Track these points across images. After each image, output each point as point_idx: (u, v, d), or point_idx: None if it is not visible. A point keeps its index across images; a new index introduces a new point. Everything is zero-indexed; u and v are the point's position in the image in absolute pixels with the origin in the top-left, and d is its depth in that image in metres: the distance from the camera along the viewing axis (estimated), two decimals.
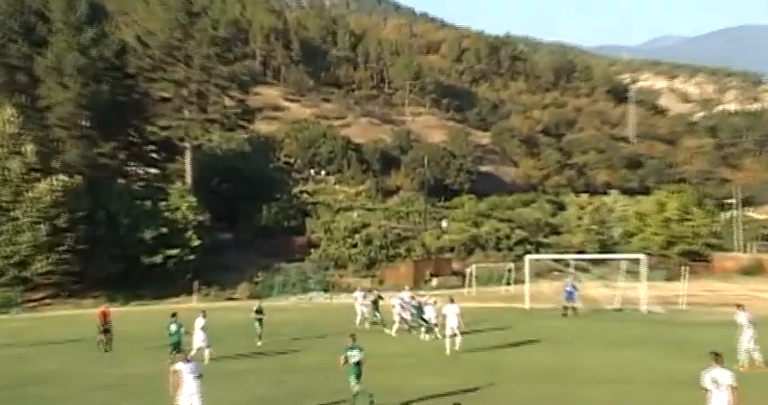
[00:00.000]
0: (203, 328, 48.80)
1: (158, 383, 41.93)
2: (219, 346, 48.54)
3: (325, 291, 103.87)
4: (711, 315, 72.78)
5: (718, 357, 26.48)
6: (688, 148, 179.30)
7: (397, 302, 62.99)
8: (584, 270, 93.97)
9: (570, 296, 74.30)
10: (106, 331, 54.43)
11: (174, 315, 49.84)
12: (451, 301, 54.13)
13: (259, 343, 54.49)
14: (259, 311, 55.98)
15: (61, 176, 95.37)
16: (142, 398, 38.54)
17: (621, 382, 40.55)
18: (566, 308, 72.96)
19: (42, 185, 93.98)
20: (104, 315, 55.18)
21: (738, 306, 44.24)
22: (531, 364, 45.45)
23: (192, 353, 44.95)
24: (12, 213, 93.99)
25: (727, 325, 62.00)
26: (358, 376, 32.97)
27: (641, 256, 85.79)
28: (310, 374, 40.27)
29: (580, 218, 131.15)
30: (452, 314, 52.79)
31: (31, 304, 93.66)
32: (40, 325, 74.01)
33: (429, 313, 60.59)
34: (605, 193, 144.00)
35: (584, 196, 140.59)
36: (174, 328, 49.27)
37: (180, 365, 29.92)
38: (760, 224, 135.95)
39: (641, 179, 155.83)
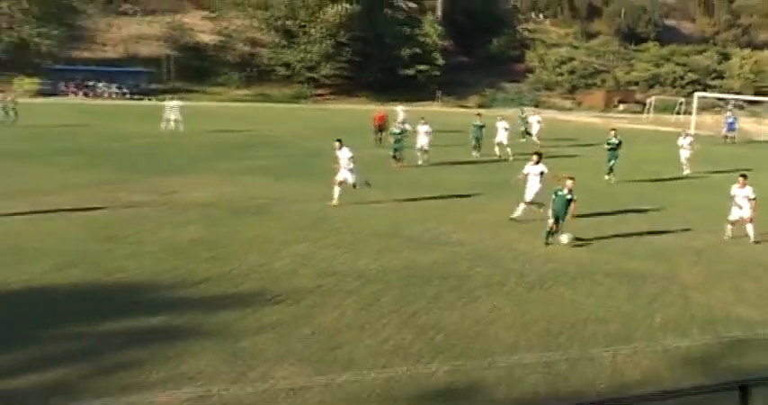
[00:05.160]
0: (427, 133, 46.89)
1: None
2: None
3: (536, 106, 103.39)
4: None
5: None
6: None
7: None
8: (741, 107, 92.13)
9: (731, 127, 73.59)
10: (381, 130, 53.87)
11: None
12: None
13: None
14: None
15: (345, 5, 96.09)
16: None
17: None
18: (726, 137, 72.18)
19: (331, 10, 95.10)
20: (381, 119, 55.14)
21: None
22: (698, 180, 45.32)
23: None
24: (307, 30, 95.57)
25: None
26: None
27: None
28: None
29: (741, 67, 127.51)
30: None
31: (317, 98, 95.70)
32: (324, 115, 75.45)
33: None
34: (764, 49, 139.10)
35: (747, 51, 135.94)
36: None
37: None
38: None
39: None
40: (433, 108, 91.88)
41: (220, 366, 15.44)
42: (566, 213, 26.45)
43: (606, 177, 42.73)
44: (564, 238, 26.09)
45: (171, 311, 18.39)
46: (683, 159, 48.09)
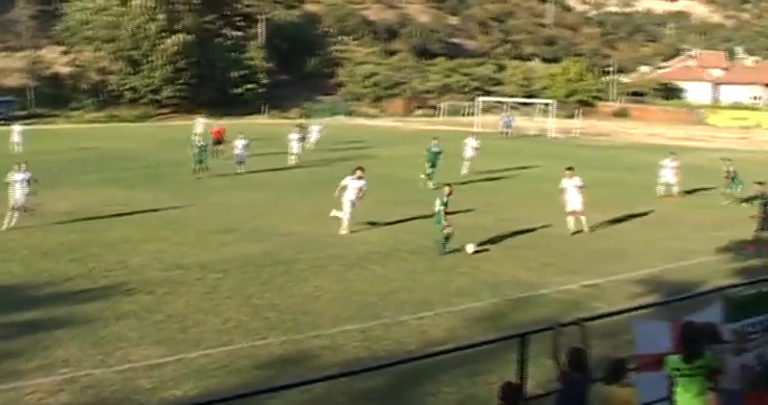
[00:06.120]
0: (244, 146, 44.18)
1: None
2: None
3: (348, 114, 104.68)
4: (592, 140, 73.77)
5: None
6: (584, 34, 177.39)
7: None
8: (515, 108, 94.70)
9: (508, 124, 76.94)
10: (218, 143, 51.62)
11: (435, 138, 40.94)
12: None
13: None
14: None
15: (181, 35, 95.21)
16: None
17: (533, 179, 41.31)
18: (503, 132, 74.92)
19: (169, 41, 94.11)
20: (218, 133, 53.81)
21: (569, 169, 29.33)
22: (482, 166, 46.00)
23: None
24: (149, 58, 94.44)
25: (597, 148, 62.81)
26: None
27: (551, 101, 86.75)
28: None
29: (513, 75, 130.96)
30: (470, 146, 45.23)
31: (161, 117, 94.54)
32: (167, 131, 74.56)
33: None
34: (530, 60, 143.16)
35: (517, 62, 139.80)
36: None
37: None
38: (626, 85, 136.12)
39: (554, 52, 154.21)
40: (261, 120, 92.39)
41: (86, 352, 15.25)
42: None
43: (422, 177, 39.09)
44: (470, 248, 24.23)
45: (42, 307, 17.99)
46: (466, 157, 44.96)
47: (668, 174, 38.26)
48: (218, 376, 14.20)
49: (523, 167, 48.34)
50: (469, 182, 41.39)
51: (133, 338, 16.01)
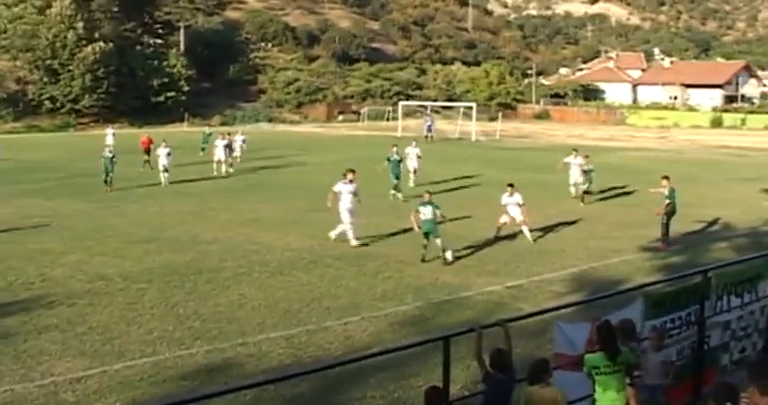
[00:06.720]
0: (167, 155, 42.44)
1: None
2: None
3: (270, 121, 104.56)
4: (515, 142, 74.42)
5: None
6: (504, 37, 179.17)
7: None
8: (437, 112, 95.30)
9: (429, 128, 76.88)
10: (148, 152, 50.33)
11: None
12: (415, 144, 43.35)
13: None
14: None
15: (100, 44, 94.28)
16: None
17: (463, 184, 41.46)
18: (426, 136, 74.53)
19: (88, 49, 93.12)
20: (148, 142, 52.67)
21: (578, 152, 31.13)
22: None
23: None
24: (68, 67, 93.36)
25: (519, 150, 63.27)
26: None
27: (472, 105, 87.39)
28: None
29: (435, 79, 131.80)
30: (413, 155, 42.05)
31: (81, 126, 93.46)
32: (88, 141, 73.55)
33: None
34: (452, 64, 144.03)
35: (438, 66, 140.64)
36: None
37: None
38: (547, 87, 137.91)
39: (475, 56, 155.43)
40: (183, 128, 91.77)
41: (7, 367, 14.94)
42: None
43: (392, 192, 36.83)
44: (449, 255, 23.50)
45: None
46: (410, 168, 41.30)
47: (575, 172, 37.63)
48: (142, 387, 14.05)
49: (453, 172, 48.29)
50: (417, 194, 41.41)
51: (55, 351, 15.75)
